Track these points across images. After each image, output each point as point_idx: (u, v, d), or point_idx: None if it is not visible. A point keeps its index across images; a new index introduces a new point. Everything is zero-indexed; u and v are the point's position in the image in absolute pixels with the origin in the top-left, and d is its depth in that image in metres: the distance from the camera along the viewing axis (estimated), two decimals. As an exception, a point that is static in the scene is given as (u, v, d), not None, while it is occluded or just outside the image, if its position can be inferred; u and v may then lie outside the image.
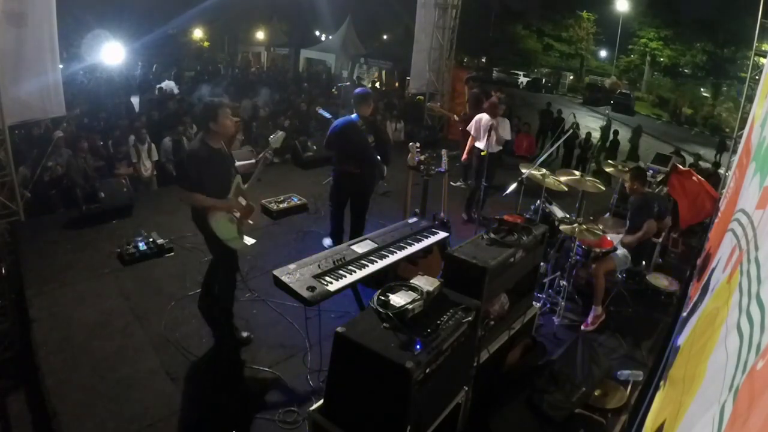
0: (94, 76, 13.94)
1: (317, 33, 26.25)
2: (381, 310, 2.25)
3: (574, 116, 12.18)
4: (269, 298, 4.09)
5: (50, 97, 5.56)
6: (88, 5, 17.22)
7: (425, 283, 2.44)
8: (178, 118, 8.39)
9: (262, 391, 3.21)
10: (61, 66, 5.79)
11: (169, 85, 12.57)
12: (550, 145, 6.17)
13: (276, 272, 2.85)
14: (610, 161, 6.10)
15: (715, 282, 2.45)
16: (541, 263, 4.06)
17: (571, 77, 31.61)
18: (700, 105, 26.34)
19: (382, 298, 2.31)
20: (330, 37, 23.69)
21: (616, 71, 29.85)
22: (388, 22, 25.53)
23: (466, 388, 2.64)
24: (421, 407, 2.13)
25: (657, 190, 5.77)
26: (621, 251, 4.35)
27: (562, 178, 4.39)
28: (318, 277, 2.86)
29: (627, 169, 4.89)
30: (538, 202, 4.66)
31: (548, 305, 4.30)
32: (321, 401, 2.38)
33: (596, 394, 3.24)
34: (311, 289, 2.74)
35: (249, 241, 5.21)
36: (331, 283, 2.85)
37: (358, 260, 3.15)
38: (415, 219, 3.93)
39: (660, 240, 5.16)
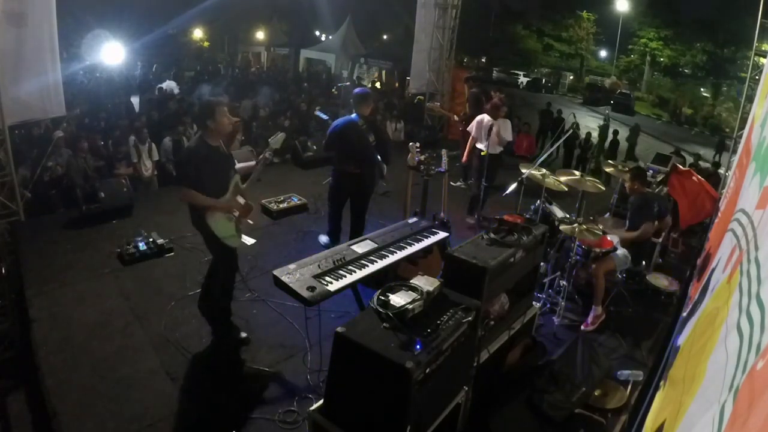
0: (94, 76, 13.95)
1: (317, 33, 26.25)
2: (381, 310, 2.25)
3: (574, 116, 12.21)
4: (269, 298, 4.09)
5: (50, 97, 5.56)
6: (88, 5, 17.23)
7: (425, 283, 2.44)
8: (178, 118, 8.39)
9: (262, 391, 3.21)
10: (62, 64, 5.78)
11: (170, 85, 12.57)
12: (550, 145, 6.17)
13: (276, 272, 2.85)
14: (610, 161, 6.11)
15: (715, 282, 2.45)
16: (541, 263, 4.06)
17: (571, 77, 31.62)
18: (700, 105, 26.34)
19: (382, 298, 2.31)
20: (330, 37, 23.69)
21: (616, 71, 29.86)
22: (388, 22, 25.53)
23: (466, 388, 2.64)
24: (421, 407, 2.13)
25: (657, 190, 5.77)
26: (621, 251, 4.35)
27: (562, 178, 4.40)
28: (318, 277, 2.86)
29: (627, 169, 4.89)
30: (538, 202, 4.66)
31: (548, 305, 4.30)
32: (321, 401, 2.38)
33: (596, 394, 3.24)
34: (311, 289, 2.74)
35: (249, 241, 5.22)
36: (331, 283, 2.85)
37: (358, 260, 3.15)
38: (415, 219, 3.93)
39: (660, 240, 5.16)
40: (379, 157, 4.62)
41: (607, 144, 12.61)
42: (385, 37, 27.77)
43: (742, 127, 6.51)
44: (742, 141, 5.00)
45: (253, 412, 3.02)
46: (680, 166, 5.93)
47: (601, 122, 13.11)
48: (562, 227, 4.10)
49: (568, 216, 4.61)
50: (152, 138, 7.35)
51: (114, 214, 5.50)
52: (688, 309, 3.18)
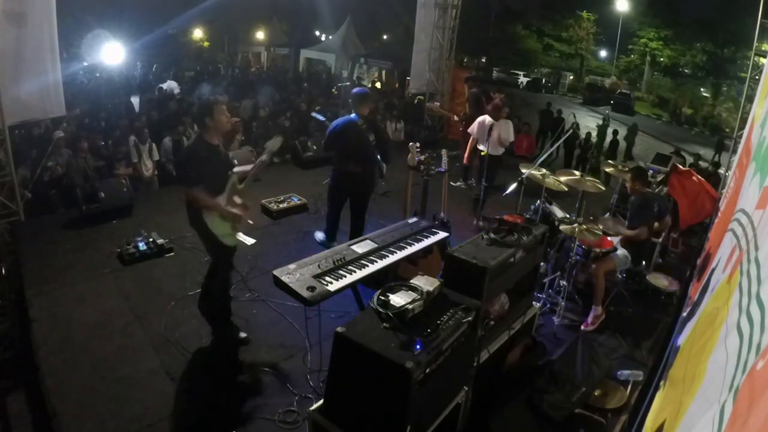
0: (94, 76, 13.94)
1: (317, 33, 26.24)
2: (381, 310, 2.25)
3: (574, 116, 12.20)
4: (269, 298, 4.09)
5: (50, 97, 5.56)
6: (88, 5, 17.22)
7: (425, 283, 2.44)
8: (178, 118, 8.39)
9: (262, 391, 3.21)
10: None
11: (170, 85, 12.58)
12: (550, 145, 6.17)
13: (276, 272, 2.85)
14: (610, 161, 6.11)
15: (715, 282, 2.45)
16: (541, 263, 4.06)
17: (571, 77, 31.62)
18: (700, 105, 26.35)
19: (382, 298, 2.31)
20: (330, 37, 23.67)
21: (616, 71, 29.85)
22: (388, 22, 25.51)
23: (466, 388, 2.64)
24: (421, 407, 2.13)
25: (657, 190, 5.77)
26: (621, 251, 4.35)
27: (562, 178, 4.40)
28: (318, 277, 2.86)
29: (627, 169, 4.89)
30: (538, 202, 4.66)
31: (548, 305, 4.30)
32: (321, 401, 2.38)
33: (596, 394, 3.24)
34: (311, 289, 2.74)
35: (249, 240, 5.24)
36: (331, 283, 2.85)
37: (358, 260, 3.14)
38: (415, 219, 3.93)
39: (660, 240, 5.16)
40: (378, 156, 4.62)
41: (606, 144, 12.62)
42: (385, 37, 27.76)
43: (742, 127, 6.51)
44: (742, 141, 5.00)
45: (253, 412, 3.02)
46: (680, 166, 5.92)
47: (600, 122, 13.10)
48: (562, 227, 4.10)
49: (568, 216, 4.61)
50: (152, 138, 7.35)
51: (114, 214, 5.50)
52: (688, 309, 3.18)
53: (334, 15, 20.66)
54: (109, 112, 9.42)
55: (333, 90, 14.80)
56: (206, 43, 25.53)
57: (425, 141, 8.41)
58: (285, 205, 5.99)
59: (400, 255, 3.34)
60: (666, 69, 28.53)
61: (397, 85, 19.64)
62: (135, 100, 11.61)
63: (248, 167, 3.61)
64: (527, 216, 4.10)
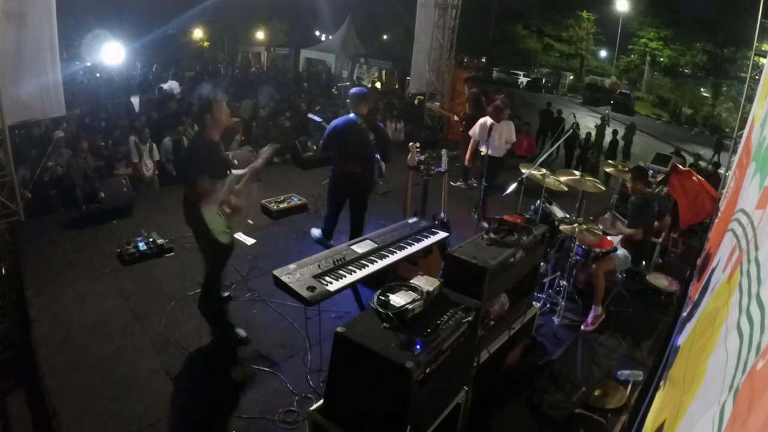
0: (94, 76, 13.94)
1: (317, 33, 26.25)
2: (381, 310, 2.25)
3: (574, 116, 12.19)
4: (269, 298, 4.09)
5: (50, 97, 5.56)
6: (88, 5, 17.22)
7: (425, 283, 2.44)
8: (178, 118, 8.39)
9: (262, 391, 3.21)
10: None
11: (171, 85, 12.59)
12: (550, 145, 6.17)
13: (276, 272, 2.85)
14: (610, 161, 6.11)
15: (715, 282, 2.45)
16: (541, 263, 4.06)
17: (571, 77, 31.63)
18: (700, 105, 26.35)
19: (382, 298, 2.31)
20: (330, 37, 23.68)
21: (616, 71, 29.86)
22: (388, 22, 25.51)
23: (466, 388, 2.64)
24: (421, 407, 2.13)
25: (657, 190, 5.77)
26: (621, 251, 4.35)
27: (562, 178, 4.40)
28: (318, 277, 2.86)
29: (627, 169, 4.89)
30: (538, 202, 4.66)
31: (548, 305, 4.30)
32: (321, 401, 2.38)
33: (596, 394, 3.24)
34: (311, 289, 2.74)
35: (249, 240, 5.25)
36: (331, 283, 2.85)
37: (358, 260, 3.14)
38: (415, 219, 3.93)
39: (660, 240, 5.16)
40: (378, 156, 4.62)
41: (606, 144, 12.62)
42: (385, 37, 27.76)
43: (742, 127, 6.51)
44: (742, 141, 5.00)
45: (253, 412, 3.02)
46: (680, 166, 5.92)
47: (598, 122, 13.09)
48: (562, 227, 4.10)
49: (568, 216, 4.61)
50: (152, 138, 7.35)
51: (114, 214, 5.50)
52: (688, 309, 3.18)
53: (334, 15, 20.66)
54: (109, 112, 9.42)
55: (333, 90, 14.80)
56: (206, 43, 25.53)
57: (425, 141, 8.41)
58: (285, 205, 6.00)
59: (400, 255, 3.34)
60: (666, 69, 28.54)
61: (397, 85, 19.65)
62: (135, 100, 11.61)
63: (245, 170, 3.62)
64: (527, 216, 4.10)
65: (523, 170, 4.40)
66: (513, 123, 6.51)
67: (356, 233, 4.61)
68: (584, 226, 4.01)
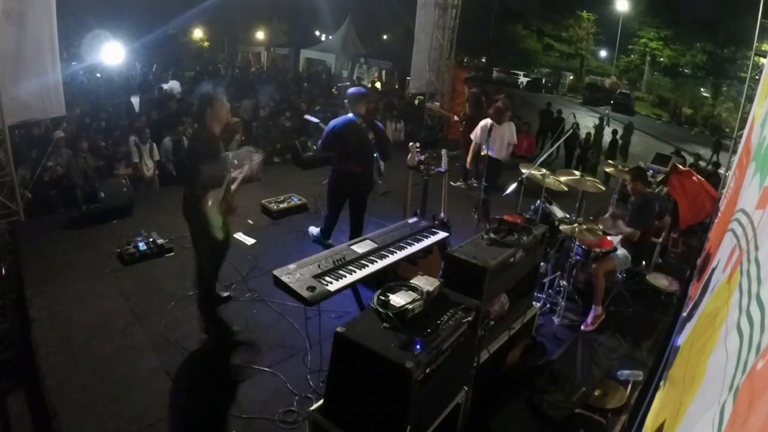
0: (94, 76, 13.94)
1: (317, 33, 26.25)
2: (381, 310, 2.25)
3: (574, 116, 12.19)
4: (269, 298, 4.08)
5: (50, 97, 5.55)
6: (88, 5, 17.23)
7: (425, 283, 2.44)
8: (178, 118, 8.39)
9: (262, 391, 3.21)
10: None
11: (173, 85, 12.60)
12: (550, 145, 6.17)
13: (276, 272, 2.85)
14: (610, 161, 6.11)
15: (715, 282, 2.45)
16: (541, 263, 4.06)
17: (571, 77, 31.63)
18: (700, 105, 26.35)
19: (382, 298, 2.31)
20: (330, 37, 23.68)
21: (616, 71, 29.86)
22: (388, 22, 25.52)
23: (466, 388, 2.64)
24: (421, 407, 2.13)
25: (657, 190, 5.77)
26: (621, 251, 4.35)
27: (562, 178, 4.40)
28: (318, 277, 2.86)
29: (627, 169, 4.89)
30: (538, 202, 4.66)
31: (548, 305, 4.30)
32: (321, 401, 2.38)
33: (596, 394, 3.24)
34: (311, 289, 2.73)
35: (249, 240, 5.25)
36: (331, 283, 2.85)
37: (358, 260, 3.14)
38: (415, 219, 3.93)
39: (660, 240, 5.16)
40: (376, 155, 4.62)
41: (606, 144, 12.61)
42: (385, 37, 27.76)
43: (742, 127, 6.51)
44: (742, 141, 5.00)
45: (253, 412, 3.02)
46: (680, 166, 5.92)
47: (596, 121, 13.07)
48: (562, 227, 4.10)
49: (568, 216, 4.61)
50: (152, 138, 7.35)
51: (114, 214, 5.49)
52: (688, 309, 3.18)
53: (334, 15, 20.66)
54: (109, 113, 9.43)
55: (333, 90, 14.80)
56: (206, 43, 25.53)
57: (425, 141, 8.41)
58: (285, 205, 6.00)
59: (400, 255, 3.34)
60: (666, 69, 28.55)
61: (397, 85, 19.65)
62: (135, 100, 11.61)
63: (238, 174, 3.63)
64: (527, 216, 4.10)
65: (523, 170, 4.40)
66: (514, 124, 6.51)
67: (356, 233, 4.61)
68: (584, 226, 4.01)
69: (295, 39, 24.60)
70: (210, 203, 3.33)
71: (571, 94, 29.71)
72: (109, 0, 18.85)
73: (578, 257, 4.29)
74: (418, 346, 2.08)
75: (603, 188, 4.51)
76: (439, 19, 9.98)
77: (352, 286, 3.00)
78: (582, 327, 4.11)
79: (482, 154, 5.83)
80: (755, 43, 7.10)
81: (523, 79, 29.86)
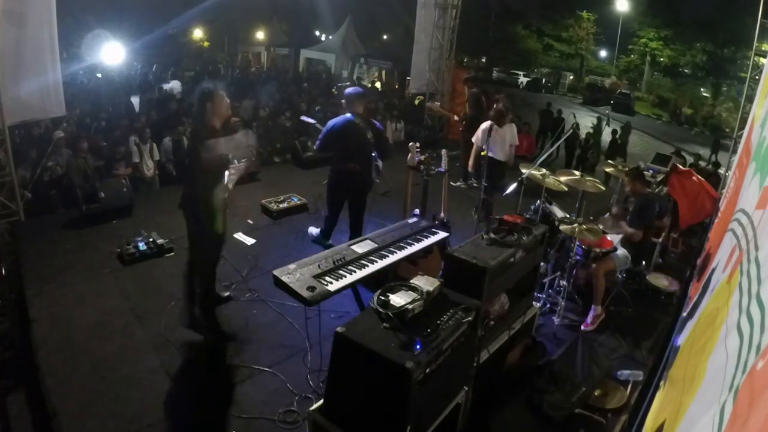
0: (94, 76, 13.94)
1: (317, 33, 26.26)
2: (381, 310, 2.25)
3: (574, 116, 12.18)
4: (269, 298, 4.09)
5: (50, 97, 5.55)
6: (88, 5, 17.23)
7: (425, 283, 2.44)
8: (178, 118, 8.39)
9: (262, 391, 3.21)
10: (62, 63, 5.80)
11: (174, 85, 12.61)
12: (550, 145, 6.17)
13: (276, 272, 2.85)
14: (610, 161, 6.10)
15: (715, 282, 2.45)
16: (541, 263, 4.06)
17: (571, 77, 31.64)
18: (700, 105, 26.37)
19: (382, 298, 2.31)
20: (330, 37, 23.69)
21: (616, 71, 29.87)
22: (388, 22, 25.52)
23: (466, 388, 2.64)
24: (421, 407, 2.13)
25: (657, 190, 5.77)
26: (621, 251, 4.35)
27: (562, 178, 4.40)
28: (318, 277, 2.86)
29: (627, 169, 4.89)
30: (538, 202, 4.66)
31: (548, 305, 4.30)
32: (321, 401, 2.38)
33: (596, 394, 3.24)
34: (311, 289, 2.74)
35: (249, 240, 5.24)
36: (331, 283, 2.85)
37: (358, 260, 3.15)
38: (415, 219, 3.93)
39: (660, 240, 5.16)
40: (375, 154, 4.63)
41: (606, 144, 12.61)
42: (385, 37, 27.77)
43: (742, 127, 6.51)
44: (742, 141, 5.00)
45: (253, 412, 3.02)
46: (680, 166, 5.92)
47: (595, 121, 13.06)
48: (562, 227, 4.10)
49: (568, 216, 4.61)
50: (152, 138, 7.35)
51: (114, 214, 5.49)
52: (688, 309, 3.18)
53: (334, 15, 20.67)
54: (109, 113, 9.42)
55: (333, 90, 14.80)
56: (206, 43, 25.53)
57: (425, 141, 8.41)
58: (285, 205, 6.00)
59: (400, 255, 3.34)
60: (666, 69, 28.55)
61: (397, 85, 19.64)
62: (135, 100, 11.61)
63: (233, 173, 3.64)
64: (527, 216, 4.10)
65: (523, 170, 4.40)
66: (515, 125, 6.50)
67: (356, 233, 4.61)
68: (584, 226, 4.01)
69: (295, 39, 24.61)
70: (215, 195, 3.36)
71: (571, 94, 29.71)
72: (109, 0, 18.85)
73: (578, 257, 4.29)
74: (418, 346, 2.08)
75: (603, 188, 4.51)
76: (439, 19, 9.98)
77: (352, 286, 3.00)
78: (582, 327, 4.11)
79: (482, 153, 5.82)
80: (755, 43, 7.10)
81: (523, 79, 29.87)
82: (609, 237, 4.52)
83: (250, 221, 5.65)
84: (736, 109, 11.53)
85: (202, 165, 3.29)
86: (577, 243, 4.22)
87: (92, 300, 4.02)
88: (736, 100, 20.37)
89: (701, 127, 23.64)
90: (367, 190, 4.75)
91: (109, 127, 8.40)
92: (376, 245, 3.34)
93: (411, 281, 2.44)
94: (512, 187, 4.39)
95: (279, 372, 3.36)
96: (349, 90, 4.72)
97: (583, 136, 11.87)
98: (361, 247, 3.28)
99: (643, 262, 4.78)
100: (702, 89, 27.33)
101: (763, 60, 7.04)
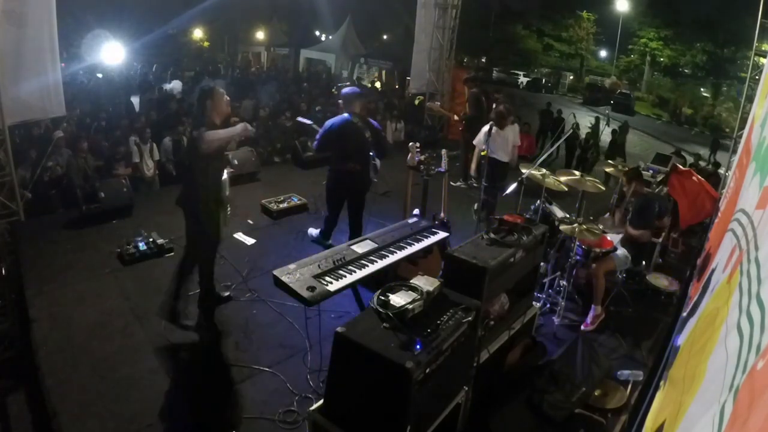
0: (94, 76, 13.94)
1: (317, 33, 26.26)
2: (381, 310, 2.25)
3: (574, 116, 12.17)
4: (269, 298, 4.08)
5: (50, 97, 5.55)
6: (88, 5, 17.23)
7: (425, 283, 2.44)
8: (178, 118, 8.39)
9: (262, 391, 3.21)
10: (62, 65, 5.79)
11: (174, 85, 12.60)
12: (550, 145, 6.17)
13: (276, 272, 2.85)
14: (609, 161, 6.10)
15: (715, 282, 2.45)
16: (541, 263, 4.06)
17: (571, 77, 31.64)
18: (700, 105, 26.37)
19: (382, 298, 2.31)
20: (330, 37, 23.69)
21: (616, 71, 29.87)
22: (388, 22, 25.52)
23: (466, 388, 2.64)
24: (421, 407, 2.13)
25: (657, 190, 5.77)
26: (621, 251, 4.35)
27: (562, 178, 4.40)
28: (318, 277, 2.86)
29: (627, 169, 4.89)
30: (538, 202, 4.66)
31: (548, 305, 4.30)
32: (321, 401, 2.38)
33: (596, 394, 3.24)
34: (311, 289, 2.73)
35: (249, 240, 5.24)
36: (331, 283, 2.85)
37: (358, 260, 3.14)
38: (415, 219, 3.93)
39: (660, 240, 5.16)
40: (372, 153, 4.63)
41: (606, 144, 12.60)
42: (385, 37, 27.77)
43: (742, 127, 6.51)
44: (742, 141, 5.00)
45: (253, 412, 3.02)
46: (680, 166, 5.93)
47: (592, 122, 13.06)
48: (562, 227, 4.10)
49: (568, 216, 4.61)
50: (152, 138, 7.35)
51: (114, 214, 5.49)
52: (688, 309, 3.18)
53: (334, 15, 20.67)
54: (109, 113, 9.42)
55: (333, 90, 14.80)
56: (206, 43, 25.52)
57: (425, 141, 8.41)
58: (285, 205, 5.99)
59: (400, 255, 3.34)
60: (666, 69, 28.56)
61: (397, 85, 19.64)
62: (135, 100, 11.61)
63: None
64: (527, 216, 4.10)
65: (523, 170, 4.40)
66: (516, 125, 6.49)
67: (355, 232, 4.62)
68: (584, 226, 4.01)
69: (295, 39, 24.61)
70: (215, 194, 3.37)
71: (571, 94, 29.72)
72: (109, 0, 18.85)
73: (578, 257, 4.29)
74: (418, 346, 2.08)
75: (603, 188, 4.51)
76: (439, 19, 9.98)
77: (352, 286, 3.00)
78: (582, 327, 4.11)
79: (482, 153, 5.82)
80: (755, 43, 7.10)
81: (523, 79, 29.87)
82: (609, 237, 4.52)
83: (250, 221, 5.65)
84: (736, 109, 11.53)
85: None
86: (577, 243, 4.22)
87: (92, 300, 4.02)
88: (736, 100, 20.38)
89: (701, 127, 23.64)
90: (366, 189, 4.75)
91: (109, 127, 8.40)
92: (376, 245, 3.33)
93: (411, 281, 2.44)
94: (512, 187, 4.39)
95: (279, 372, 3.36)
96: (346, 90, 4.72)
97: (583, 136, 11.86)
98: (361, 247, 3.27)
99: (643, 262, 4.78)
100: (702, 89, 27.35)
101: (763, 60, 7.04)
